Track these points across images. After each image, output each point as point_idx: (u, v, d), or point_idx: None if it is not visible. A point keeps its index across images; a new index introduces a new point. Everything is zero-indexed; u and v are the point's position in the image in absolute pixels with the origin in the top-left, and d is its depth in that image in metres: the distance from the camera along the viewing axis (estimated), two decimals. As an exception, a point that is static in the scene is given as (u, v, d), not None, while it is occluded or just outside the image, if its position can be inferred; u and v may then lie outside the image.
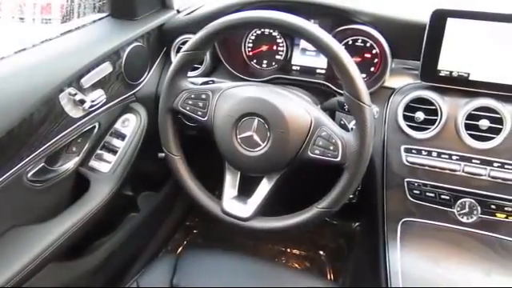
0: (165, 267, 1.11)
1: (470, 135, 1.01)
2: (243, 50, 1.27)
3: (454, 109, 1.02)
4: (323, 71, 1.21)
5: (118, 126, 1.22)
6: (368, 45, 1.15)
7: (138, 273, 1.11)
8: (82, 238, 1.11)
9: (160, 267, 1.12)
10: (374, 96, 1.09)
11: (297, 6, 1.14)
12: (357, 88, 0.83)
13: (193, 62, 0.97)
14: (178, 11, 1.35)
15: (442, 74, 1.03)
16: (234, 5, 1.16)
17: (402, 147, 1.07)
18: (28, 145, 0.96)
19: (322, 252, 1.78)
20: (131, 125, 1.22)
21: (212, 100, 0.95)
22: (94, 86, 1.09)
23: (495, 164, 1.01)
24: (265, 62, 1.26)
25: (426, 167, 1.05)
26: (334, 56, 0.84)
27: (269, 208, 0.97)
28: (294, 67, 1.24)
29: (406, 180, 1.08)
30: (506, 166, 1.00)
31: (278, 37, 1.24)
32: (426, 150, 1.05)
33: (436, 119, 1.03)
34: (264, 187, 0.95)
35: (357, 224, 1.80)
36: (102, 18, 1.23)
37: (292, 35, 1.19)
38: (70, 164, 1.11)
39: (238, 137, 0.92)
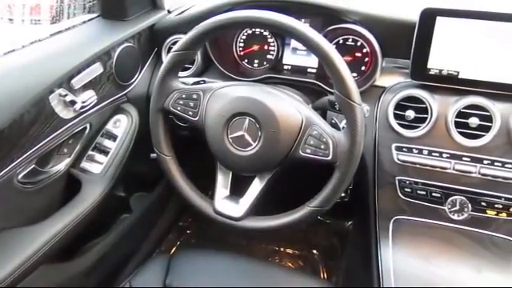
0: (158, 267, 1.11)
1: (460, 133, 1.02)
2: (234, 49, 1.27)
3: (444, 107, 1.03)
4: (314, 70, 1.21)
5: (109, 126, 1.21)
6: (359, 44, 1.15)
7: (131, 274, 1.11)
8: (74, 239, 1.10)
9: (153, 267, 1.12)
10: (365, 95, 1.09)
11: (287, 5, 1.15)
12: (347, 87, 0.83)
13: (183, 62, 0.97)
14: (169, 11, 1.34)
15: (431, 72, 1.03)
16: (224, 5, 1.16)
17: (393, 145, 1.07)
18: (18, 146, 0.95)
19: (315, 251, 1.79)
20: (123, 125, 1.22)
21: (203, 100, 0.95)
22: (85, 87, 1.08)
23: (485, 161, 1.01)
24: (256, 61, 1.27)
25: (417, 165, 1.06)
26: (324, 55, 0.84)
27: (261, 207, 0.97)
28: (285, 67, 1.24)
29: (397, 178, 1.08)
30: (495, 164, 1.01)
31: (269, 36, 1.24)
32: (416, 148, 1.05)
33: (426, 117, 1.04)
34: (256, 187, 0.95)
35: (350, 223, 1.81)
36: (93, 19, 1.23)
37: (282, 35, 1.19)
38: (61, 165, 1.11)
39: (230, 136, 0.92)
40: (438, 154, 1.04)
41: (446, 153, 1.04)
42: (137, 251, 1.57)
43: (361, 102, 0.84)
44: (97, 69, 1.10)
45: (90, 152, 1.18)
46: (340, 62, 0.84)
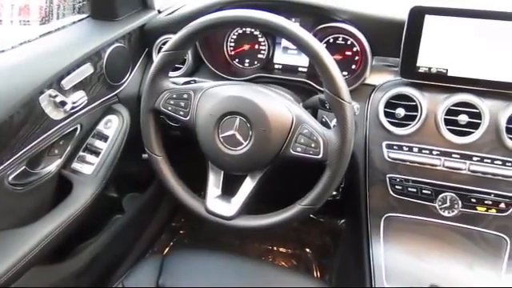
0: (150, 268, 1.11)
1: (450, 130, 1.03)
2: (225, 49, 1.27)
3: (433, 104, 1.04)
4: (305, 69, 1.21)
5: (100, 127, 1.21)
6: (349, 42, 1.16)
7: (124, 274, 1.10)
8: (65, 240, 1.10)
9: (146, 268, 1.12)
10: (356, 93, 1.10)
11: (278, 4, 1.15)
12: (337, 85, 0.83)
13: (174, 61, 0.97)
14: (159, 11, 1.34)
15: (421, 70, 1.04)
16: (214, 4, 1.16)
17: (384, 143, 1.08)
18: (8, 147, 0.94)
19: (308, 250, 1.79)
20: (114, 126, 1.21)
21: (194, 100, 0.95)
22: (75, 88, 1.08)
23: (474, 158, 1.02)
24: (247, 61, 1.27)
25: (408, 163, 1.06)
26: (314, 54, 0.84)
27: (253, 207, 0.97)
28: (276, 66, 1.24)
29: (388, 176, 1.09)
30: (485, 160, 1.02)
31: (260, 36, 1.24)
32: (407, 146, 1.06)
33: (416, 115, 1.04)
34: (247, 186, 0.95)
35: (342, 221, 1.81)
36: (82, 19, 1.22)
37: (272, 34, 1.19)
38: (52, 166, 1.10)
39: (220, 136, 0.92)
40: (428, 152, 1.05)
41: (436, 150, 1.04)
42: (129, 252, 1.57)
43: (350, 100, 0.85)
44: (87, 69, 1.10)
45: (81, 153, 1.18)
46: (330, 61, 0.84)
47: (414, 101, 1.04)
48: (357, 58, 1.16)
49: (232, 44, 1.27)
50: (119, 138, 1.21)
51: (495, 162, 1.01)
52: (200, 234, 1.82)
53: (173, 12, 1.28)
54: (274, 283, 1.08)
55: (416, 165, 1.06)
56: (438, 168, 1.05)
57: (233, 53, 1.27)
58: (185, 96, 0.96)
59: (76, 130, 1.13)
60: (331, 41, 1.17)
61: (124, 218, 1.49)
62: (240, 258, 1.20)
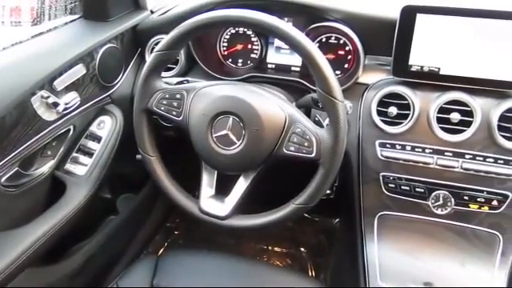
0: (145, 268, 1.10)
1: (442, 128, 1.03)
2: (218, 49, 1.27)
3: (425, 103, 1.04)
4: (298, 69, 1.22)
5: (93, 128, 1.20)
6: (341, 42, 1.16)
7: (119, 275, 1.10)
8: (59, 242, 1.10)
9: (140, 268, 1.11)
10: (349, 92, 1.10)
11: (270, 4, 1.15)
12: (329, 84, 0.84)
13: (166, 61, 0.97)
14: (152, 12, 1.34)
15: (413, 69, 1.04)
16: (207, 4, 1.16)
17: (377, 142, 1.08)
18: (0, 149, 0.94)
19: (303, 249, 1.79)
20: (107, 127, 1.21)
21: (187, 100, 0.95)
22: (68, 89, 1.07)
23: (467, 156, 1.03)
24: (240, 60, 1.27)
25: (401, 161, 1.07)
26: (306, 53, 0.85)
27: (247, 206, 0.97)
28: (269, 65, 1.24)
29: (381, 174, 1.09)
30: (477, 158, 1.02)
31: (253, 35, 1.24)
32: (399, 144, 1.07)
33: (409, 114, 1.05)
34: (241, 185, 0.95)
35: (337, 220, 1.82)
36: (74, 20, 1.21)
37: (265, 34, 1.19)
38: (45, 168, 1.10)
39: (214, 136, 0.92)
40: (420, 150, 1.05)
41: (429, 148, 1.05)
42: (124, 253, 1.57)
43: (343, 99, 0.85)
44: (79, 70, 1.10)
45: (74, 154, 1.17)
46: (322, 60, 0.84)
47: (407, 99, 1.05)
48: (349, 57, 1.16)
49: (225, 44, 1.27)
50: (112, 138, 1.21)
51: (487, 159, 1.02)
52: (195, 234, 1.82)
53: (165, 12, 1.28)
54: (269, 283, 1.08)
55: (409, 163, 1.06)
56: (430, 166, 1.05)
57: (226, 53, 1.27)
58: (178, 96, 0.96)
59: (69, 130, 1.13)
60: (324, 40, 1.17)
61: (118, 218, 1.49)
62: (235, 257, 1.20)
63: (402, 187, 1.08)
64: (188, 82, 1.04)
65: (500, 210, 1.04)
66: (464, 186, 1.05)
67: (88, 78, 1.13)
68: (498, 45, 0.98)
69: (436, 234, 1.08)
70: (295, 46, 0.85)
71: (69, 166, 1.16)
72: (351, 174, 1.13)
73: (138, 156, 1.03)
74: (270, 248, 1.80)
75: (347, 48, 1.16)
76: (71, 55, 1.07)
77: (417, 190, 1.07)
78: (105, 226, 1.43)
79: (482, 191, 1.04)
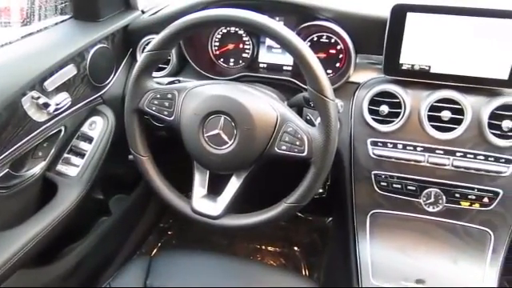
0: (138, 269, 1.10)
1: (433, 126, 1.04)
2: (210, 49, 1.27)
3: (416, 101, 1.05)
4: (290, 68, 1.22)
5: (84, 128, 1.20)
6: (333, 41, 1.16)
7: (112, 276, 1.10)
8: (51, 243, 1.09)
9: (133, 269, 1.11)
10: (340, 91, 1.11)
11: (261, 3, 1.15)
12: (320, 83, 0.84)
13: (157, 61, 0.97)
14: (143, 12, 1.33)
15: (404, 67, 1.05)
16: (198, 4, 1.16)
17: (369, 140, 1.08)
18: None
19: (296, 248, 1.80)
20: (98, 127, 1.21)
21: (178, 99, 0.95)
22: (58, 89, 1.07)
23: (458, 154, 1.03)
24: (232, 60, 1.27)
25: (392, 159, 1.07)
26: (297, 53, 0.85)
27: (239, 206, 0.97)
28: (260, 65, 1.24)
29: (373, 172, 1.10)
30: (468, 156, 1.03)
31: (244, 35, 1.24)
32: (391, 143, 1.07)
33: (400, 112, 1.05)
34: (233, 185, 0.95)
35: (330, 219, 1.82)
36: (65, 21, 1.21)
37: (256, 33, 1.19)
38: (36, 169, 1.09)
39: (205, 135, 0.92)
40: (412, 148, 1.06)
41: (420, 146, 1.05)
42: (117, 254, 1.56)
43: (334, 98, 0.85)
44: (70, 70, 1.09)
45: (65, 155, 1.17)
46: (313, 59, 0.84)
47: (398, 98, 1.05)
48: (341, 56, 1.16)
49: (216, 43, 1.27)
50: (104, 139, 1.20)
51: (478, 157, 1.02)
52: (188, 234, 1.82)
53: (156, 12, 1.28)
54: (263, 282, 1.08)
55: (400, 161, 1.07)
56: (422, 164, 1.06)
57: (217, 52, 1.27)
58: (169, 96, 0.95)
59: (60, 131, 1.12)
60: (315, 39, 1.17)
61: (111, 219, 1.48)
62: (228, 257, 1.20)
63: (394, 185, 1.09)
64: (179, 81, 1.04)
65: (491, 207, 1.05)
66: (455, 183, 1.05)
67: (79, 79, 1.13)
68: (488, 43, 0.98)
69: (428, 232, 1.09)
70: (286, 46, 0.86)
71: (60, 167, 1.15)
72: (343, 172, 1.14)
73: (131, 156, 1.03)
74: (263, 247, 1.81)
75: (338, 47, 1.16)
76: (62, 55, 1.06)
77: (408, 187, 1.08)
78: (97, 227, 1.43)
79: (472, 188, 1.04)
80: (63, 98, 1.07)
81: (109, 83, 1.24)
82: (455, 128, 1.02)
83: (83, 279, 1.35)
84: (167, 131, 1.24)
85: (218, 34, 1.26)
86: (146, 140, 1.01)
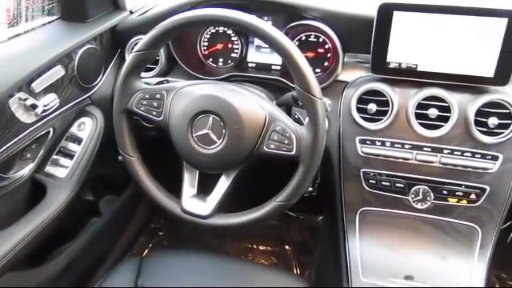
0: (129, 270, 1.10)
1: (421, 124, 1.05)
2: (199, 49, 1.27)
3: (404, 99, 1.06)
4: (278, 67, 1.22)
5: (73, 130, 1.19)
6: (321, 40, 1.17)
7: (102, 277, 1.10)
8: (41, 245, 1.09)
9: (124, 270, 1.11)
10: (329, 90, 1.11)
11: (249, 3, 1.15)
12: (308, 82, 0.84)
13: (145, 61, 0.97)
14: (131, 12, 1.33)
15: (391, 66, 1.06)
16: (186, 4, 1.16)
17: (357, 138, 1.09)
18: None
19: (287, 247, 1.80)
20: (87, 128, 1.20)
21: (166, 99, 0.95)
22: (46, 90, 1.06)
23: (445, 151, 1.04)
24: (221, 60, 1.27)
25: (381, 157, 1.08)
26: (284, 52, 0.85)
27: (229, 205, 0.97)
28: (249, 64, 1.25)
29: (361, 170, 1.10)
30: (455, 153, 1.04)
31: (233, 35, 1.24)
32: (379, 141, 1.08)
33: (388, 110, 1.06)
34: (222, 184, 0.95)
35: (321, 217, 1.83)
36: (52, 21, 1.20)
37: (244, 33, 1.20)
38: (24, 171, 1.09)
39: (194, 135, 0.92)
40: (400, 146, 1.07)
41: (408, 144, 1.06)
42: (108, 255, 1.56)
43: (322, 97, 0.86)
44: (58, 71, 1.09)
45: (54, 156, 1.16)
46: (300, 59, 0.85)
47: (386, 96, 1.06)
48: (329, 55, 1.17)
49: (205, 43, 1.27)
50: (93, 140, 1.20)
51: (465, 154, 1.03)
52: (179, 234, 1.81)
53: (145, 12, 1.27)
54: (255, 282, 1.08)
55: (389, 159, 1.08)
56: (410, 161, 1.06)
57: (206, 52, 1.27)
58: (157, 96, 0.95)
59: (48, 133, 1.12)
60: (303, 38, 1.17)
61: (101, 220, 1.48)
62: (220, 257, 1.20)
63: (383, 183, 1.10)
64: (168, 81, 1.04)
65: (478, 203, 1.06)
66: (443, 180, 1.06)
67: (67, 80, 1.12)
68: (473, 41, 0.99)
69: (416, 229, 1.10)
70: (274, 45, 0.86)
71: (49, 169, 1.15)
72: (332, 170, 1.14)
73: (120, 157, 1.03)
74: (254, 247, 1.81)
75: (326, 46, 1.17)
76: (49, 56, 1.06)
77: (397, 185, 1.09)
78: (88, 228, 1.42)
79: (460, 185, 1.05)
80: (51, 99, 1.07)
81: (97, 84, 1.24)
82: (442, 125, 1.03)
83: (74, 280, 1.35)
84: (156, 131, 1.24)
85: (207, 33, 1.26)
86: (135, 140, 1.01)
